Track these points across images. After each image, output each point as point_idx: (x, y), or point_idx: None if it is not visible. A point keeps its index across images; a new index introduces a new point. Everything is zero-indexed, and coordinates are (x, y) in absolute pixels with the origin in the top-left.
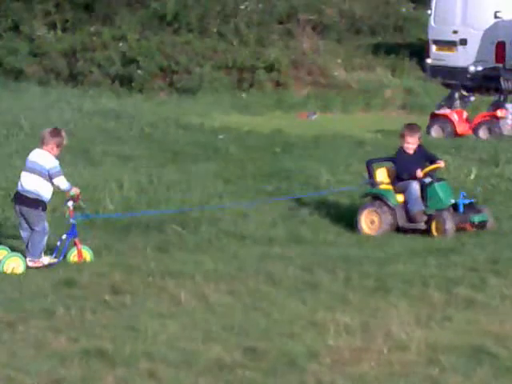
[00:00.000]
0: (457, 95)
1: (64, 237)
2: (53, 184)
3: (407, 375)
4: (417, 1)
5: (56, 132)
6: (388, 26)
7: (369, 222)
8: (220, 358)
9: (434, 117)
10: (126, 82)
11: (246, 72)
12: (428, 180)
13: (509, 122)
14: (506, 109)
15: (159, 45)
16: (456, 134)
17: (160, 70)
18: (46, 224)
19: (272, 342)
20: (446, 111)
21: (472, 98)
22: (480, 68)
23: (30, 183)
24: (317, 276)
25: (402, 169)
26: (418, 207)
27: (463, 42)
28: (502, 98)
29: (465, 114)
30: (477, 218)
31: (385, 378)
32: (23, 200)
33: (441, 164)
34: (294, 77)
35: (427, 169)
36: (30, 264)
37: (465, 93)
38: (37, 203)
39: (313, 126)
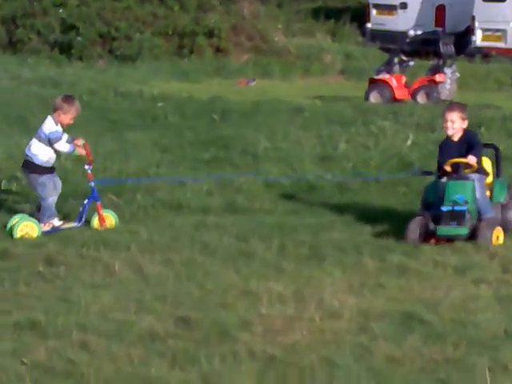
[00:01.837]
0: (396, 60)
1: (85, 201)
2: (54, 149)
3: (339, 343)
4: None
5: (64, 99)
6: None
7: None
8: (152, 328)
9: (373, 82)
10: (65, 49)
11: (186, 38)
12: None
13: (447, 86)
14: (445, 73)
15: (99, 11)
16: (395, 100)
17: (100, 36)
18: (47, 188)
19: (205, 312)
20: (384, 76)
21: (411, 63)
22: (419, 32)
23: (29, 147)
24: (251, 245)
25: (437, 161)
26: (432, 211)
27: (403, 5)
28: (440, 63)
29: (403, 79)
30: (442, 231)
31: (316, 346)
32: (23, 163)
33: (467, 159)
34: (234, 43)
35: (449, 161)
36: (42, 228)
37: (404, 57)
38: (30, 165)
39: (252, 92)
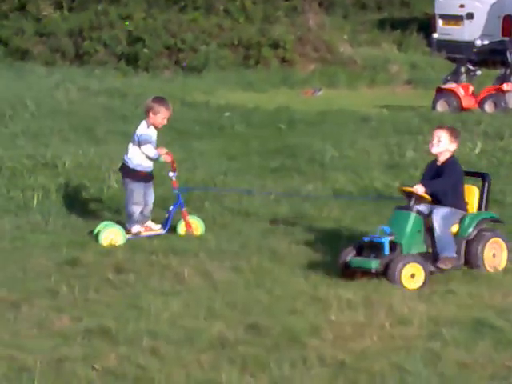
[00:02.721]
0: (463, 69)
1: (171, 208)
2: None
3: (409, 349)
4: None
5: (154, 99)
6: (394, 0)
7: None
8: (222, 334)
9: (440, 91)
10: (131, 60)
11: (251, 49)
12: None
13: None
14: None
15: (165, 23)
16: (462, 109)
17: (166, 48)
18: (134, 196)
19: (274, 319)
20: (451, 85)
21: (478, 72)
22: (486, 42)
23: (127, 151)
24: (320, 252)
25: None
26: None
27: (470, 15)
28: (508, 72)
29: (471, 88)
30: (353, 263)
31: (386, 352)
32: (120, 167)
33: (413, 189)
34: (300, 53)
35: (400, 188)
36: (128, 235)
37: (471, 67)
38: (125, 169)
39: (318, 102)
